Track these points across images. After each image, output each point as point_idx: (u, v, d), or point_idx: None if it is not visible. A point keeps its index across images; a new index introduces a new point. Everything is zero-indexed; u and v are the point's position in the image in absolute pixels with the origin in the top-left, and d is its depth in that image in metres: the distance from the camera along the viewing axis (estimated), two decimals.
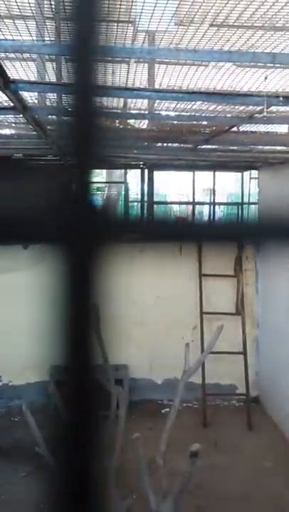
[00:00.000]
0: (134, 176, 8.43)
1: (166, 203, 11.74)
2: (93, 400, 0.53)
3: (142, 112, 4.21)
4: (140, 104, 4.13)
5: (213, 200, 9.63)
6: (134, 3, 2.67)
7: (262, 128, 4.53)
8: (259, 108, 3.26)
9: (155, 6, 2.50)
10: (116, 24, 2.74)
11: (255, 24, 2.83)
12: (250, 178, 9.77)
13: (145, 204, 7.71)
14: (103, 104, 0.52)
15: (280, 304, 6.14)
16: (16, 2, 2.52)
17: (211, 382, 6.52)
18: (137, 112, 4.26)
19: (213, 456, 5.25)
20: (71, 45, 0.51)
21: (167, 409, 5.86)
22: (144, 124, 4.77)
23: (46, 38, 3.00)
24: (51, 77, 3.37)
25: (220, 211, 11.40)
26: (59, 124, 3.84)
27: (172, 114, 4.05)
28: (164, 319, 6.77)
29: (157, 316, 6.77)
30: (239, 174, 9.04)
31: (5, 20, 2.75)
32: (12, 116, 3.94)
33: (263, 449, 5.58)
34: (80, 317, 0.51)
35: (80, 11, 0.51)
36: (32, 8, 2.66)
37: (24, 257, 6.68)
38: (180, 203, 12.24)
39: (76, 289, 0.50)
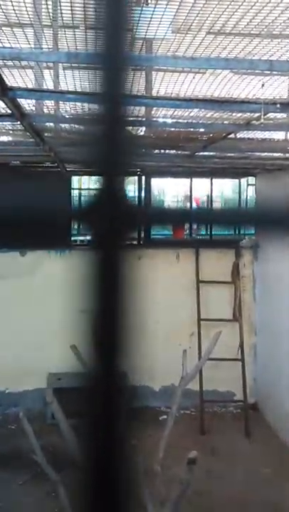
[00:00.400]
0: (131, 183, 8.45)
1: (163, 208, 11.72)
2: (121, 406, 0.53)
3: (140, 118, 4.22)
4: (138, 111, 4.14)
5: (210, 205, 9.64)
6: (131, 11, 2.69)
7: (259, 135, 4.55)
8: (256, 115, 3.27)
9: (153, 14, 2.51)
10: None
11: (252, 32, 2.85)
12: (248, 185, 9.79)
13: None
14: (130, 113, 0.53)
15: (278, 311, 6.14)
16: (14, 10, 2.53)
17: (208, 389, 6.50)
18: (134, 118, 4.27)
19: (211, 463, 5.23)
20: (101, 54, 0.52)
21: (165, 417, 5.84)
22: (141, 131, 4.79)
23: (44, 46, 3.01)
24: (49, 84, 3.39)
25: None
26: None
27: (169, 121, 4.06)
28: (161, 326, 6.76)
29: (155, 323, 6.76)
30: (236, 181, 9.06)
31: (3, 28, 2.76)
32: (10, 123, 3.94)
33: (260, 456, 5.56)
34: (109, 318, 0.51)
35: (109, 20, 0.51)
36: (30, 16, 2.67)
37: (21, 264, 6.68)
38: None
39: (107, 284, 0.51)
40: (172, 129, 4.35)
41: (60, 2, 2.70)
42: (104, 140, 0.51)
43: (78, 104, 3.52)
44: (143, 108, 3.95)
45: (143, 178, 7.68)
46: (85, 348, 0.51)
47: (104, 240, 0.51)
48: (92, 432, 0.52)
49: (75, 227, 8.48)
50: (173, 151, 5.29)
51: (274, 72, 3.15)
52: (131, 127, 4.70)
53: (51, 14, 2.81)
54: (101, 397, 0.52)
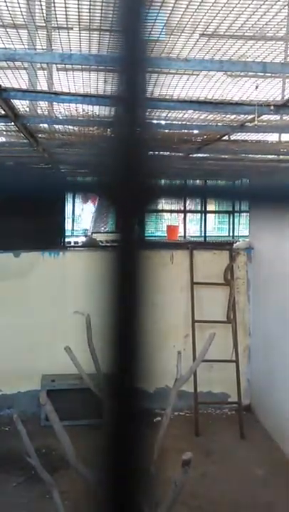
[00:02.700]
0: None
1: (157, 210, 11.76)
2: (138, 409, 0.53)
3: None
4: None
5: (205, 208, 9.68)
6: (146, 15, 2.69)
7: (253, 137, 4.56)
8: (250, 117, 3.28)
9: (146, 16, 2.51)
10: (108, 33, 2.75)
11: (245, 34, 2.86)
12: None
13: None
14: (149, 116, 0.53)
15: (272, 312, 6.15)
16: (8, 11, 2.53)
17: (203, 390, 6.50)
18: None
19: (206, 465, 5.23)
20: (119, 57, 0.52)
21: (159, 418, 5.84)
22: None
23: (38, 47, 3.01)
24: (43, 85, 3.38)
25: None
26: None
27: (163, 122, 4.07)
28: (155, 327, 6.75)
29: (149, 325, 6.75)
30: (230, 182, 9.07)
31: None
32: (3, 124, 3.94)
33: (255, 458, 5.56)
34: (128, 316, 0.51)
35: (127, 24, 0.51)
36: (24, 17, 2.67)
37: (15, 265, 6.66)
38: (171, 211, 12.27)
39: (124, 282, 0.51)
40: (166, 131, 4.36)
41: (54, 3, 2.70)
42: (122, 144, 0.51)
43: (72, 105, 3.51)
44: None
45: None
46: (100, 350, 0.52)
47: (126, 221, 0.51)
48: (112, 432, 0.53)
49: (69, 228, 8.47)
50: (167, 153, 5.30)
51: (267, 74, 3.16)
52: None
53: (45, 15, 2.81)
54: (121, 399, 0.52)
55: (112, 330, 0.51)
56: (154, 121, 4.06)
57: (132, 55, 0.51)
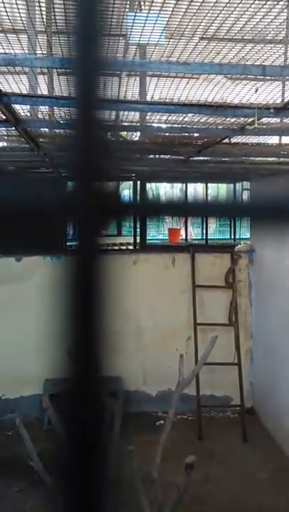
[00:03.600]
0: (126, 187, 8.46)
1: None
2: (98, 411, 0.52)
3: (134, 124, 4.23)
4: (132, 116, 4.15)
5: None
6: (125, 17, 2.70)
7: (253, 139, 4.56)
8: (250, 120, 3.29)
9: (146, 20, 2.53)
10: (107, 37, 2.76)
11: (245, 37, 2.86)
12: (243, 189, 9.83)
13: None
14: (105, 117, 0.53)
15: (274, 315, 6.14)
16: (8, 16, 2.54)
17: (205, 393, 6.49)
18: (128, 124, 4.28)
19: (209, 468, 5.22)
20: (72, 58, 0.52)
21: (162, 422, 5.83)
22: (136, 136, 4.80)
23: (38, 51, 3.02)
24: (43, 89, 3.39)
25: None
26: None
27: (164, 126, 4.08)
28: (157, 331, 6.76)
29: (151, 328, 6.76)
30: (231, 185, 9.09)
31: None
32: (4, 128, 3.95)
33: (258, 461, 5.55)
34: (86, 320, 0.51)
35: (82, 24, 0.52)
36: (24, 22, 2.68)
37: (16, 270, 6.67)
38: (172, 215, 12.25)
39: (80, 286, 0.51)
40: (167, 134, 4.36)
41: (53, 8, 2.71)
42: (79, 144, 0.51)
43: (73, 109, 3.52)
44: (138, 113, 3.97)
45: (138, 183, 7.69)
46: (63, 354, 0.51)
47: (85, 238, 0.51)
48: (74, 437, 0.52)
49: (71, 232, 8.48)
50: (168, 156, 5.31)
51: (267, 77, 3.17)
52: (125, 132, 4.71)
53: (45, 20, 2.82)
54: (81, 403, 0.52)
55: (68, 336, 0.51)
56: (155, 125, 4.07)
57: (87, 56, 0.52)
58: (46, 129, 4.16)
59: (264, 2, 2.47)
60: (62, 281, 0.51)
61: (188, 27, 2.74)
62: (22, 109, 3.54)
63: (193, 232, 12.89)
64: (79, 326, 0.51)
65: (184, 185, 8.60)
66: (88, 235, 0.52)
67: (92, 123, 0.51)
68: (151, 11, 2.54)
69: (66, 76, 3.33)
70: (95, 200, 0.51)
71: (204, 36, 2.90)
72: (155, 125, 4.07)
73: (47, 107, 3.68)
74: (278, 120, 3.66)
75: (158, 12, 2.52)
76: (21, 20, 2.62)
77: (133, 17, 2.58)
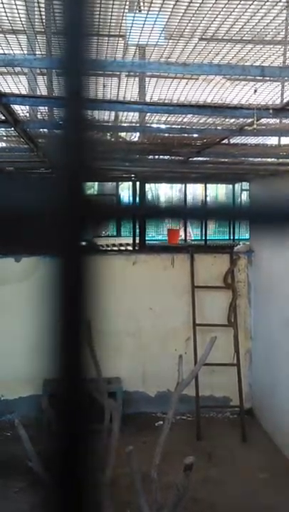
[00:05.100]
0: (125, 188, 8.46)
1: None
2: (85, 413, 0.52)
3: (133, 124, 4.23)
4: (131, 117, 4.15)
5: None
6: (124, 17, 2.70)
7: (252, 140, 4.57)
8: (249, 120, 3.29)
9: (145, 20, 2.53)
10: (107, 38, 2.77)
11: (244, 38, 2.86)
12: (242, 190, 9.83)
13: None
14: (93, 117, 0.53)
15: (273, 315, 6.15)
16: (7, 16, 2.54)
17: (204, 394, 6.49)
18: (128, 124, 4.28)
19: (208, 469, 5.22)
20: (61, 58, 0.52)
21: (161, 422, 5.83)
22: (135, 136, 4.80)
23: (37, 52, 3.02)
24: (42, 90, 3.39)
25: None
26: (50, 136, 3.86)
27: (163, 126, 4.08)
28: (156, 331, 6.76)
29: (150, 329, 6.76)
30: (230, 186, 9.09)
31: None
32: (3, 129, 3.95)
33: (257, 461, 5.55)
34: (72, 324, 0.51)
35: (71, 24, 0.52)
36: (23, 23, 2.68)
37: (16, 270, 6.67)
38: (171, 217, 12.26)
39: (67, 292, 0.51)
40: (166, 135, 4.36)
41: (53, 8, 2.71)
42: (67, 144, 0.51)
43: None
44: (137, 114, 3.96)
45: (137, 183, 7.69)
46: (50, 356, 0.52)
47: (67, 242, 0.51)
48: (60, 437, 0.52)
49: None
50: (167, 157, 5.31)
51: (266, 78, 3.17)
52: (124, 133, 4.71)
53: (44, 20, 2.82)
54: (67, 405, 0.52)
55: (56, 338, 0.51)
56: (154, 126, 4.07)
57: (73, 56, 0.52)
58: (45, 130, 4.16)
59: (263, 3, 2.47)
60: (48, 282, 0.51)
61: (188, 27, 2.74)
62: (21, 110, 3.54)
63: (193, 233, 12.90)
64: (64, 326, 0.51)
65: (184, 185, 8.61)
66: (72, 236, 0.52)
67: (80, 123, 0.51)
68: (150, 12, 2.54)
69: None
70: (80, 201, 0.51)
71: (203, 37, 2.91)
72: (154, 126, 4.07)
73: (46, 108, 3.68)
74: (277, 121, 3.66)
75: (157, 13, 2.52)
76: (20, 20, 2.62)
77: (132, 18, 2.58)
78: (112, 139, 4.65)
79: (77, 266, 0.50)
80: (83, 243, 0.52)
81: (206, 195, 8.59)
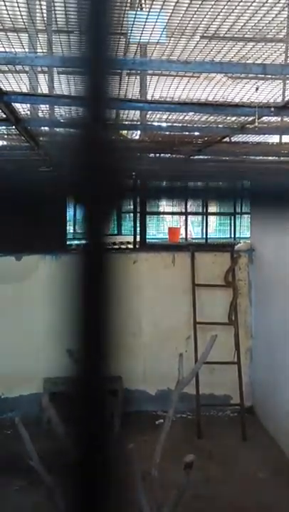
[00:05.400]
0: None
1: (158, 213, 11.77)
2: (100, 411, 0.52)
3: (135, 122, 4.23)
4: (132, 115, 4.15)
5: (206, 209, 9.67)
6: (125, 16, 2.70)
7: (254, 138, 4.56)
8: (251, 119, 3.28)
9: (147, 18, 2.52)
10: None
11: (245, 36, 2.86)
12: (243, 189, 9.79)
13: (138, 215, 7.72)
14: (112, 116, 0.53)
15: (273, 314, 6.15)
16: (9, 15, 2.53)
17: (205, 392, 6.49)
18: (129, 122, 4.28)
19: (208, 467, 5.22)
20: (84, 57, 0.52)
21: (161, 421, 5.83)
22: (136, 135, 4.79)
23: (39, 50, 3.02)
24: (43, 88, 3.39)
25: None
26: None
27: (164, 124, 4.07)
28: (157, 330, 6.76)
29: (150, 327, 6.76)
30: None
31: None
32: (4, 127, 3.95)
33: (257, 460, 5.55)
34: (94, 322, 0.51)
35: (92, 23, 0.51)
36: (24, 21, 2.67)
37: (17, 268, 6.67)
38: (172, 213, 12.27)
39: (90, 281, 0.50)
40: (167, 133, 4.36)
41: (54, 7, 2.71)
42: (86, 143, 0.51)
43: (73, 108, 3.52)
44: (138, 112, 3.96)
45: (138, 181, 7.67)
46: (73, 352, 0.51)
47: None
48: (81, 436, 0.52)
49: (71, 231, 8.48)
50: (168, 155, 5.31)
51: (268, 76, 3.16)
52: (125, 131, 4.71)
53: (45, 19, 2.82)
54: (88, 401, 0.52)
55: (77, 333, 0.51)
56: (156, 124, 4.07)
57: (95, 55, 0.52)
58: (46, 128, 4.16)
59: (265, 1, 2.46)
60: (67, 279, 0.51)
61: (189, 26, 2.74)
62: (22, 108, 3.54)
63: (193, 231, 12.89)
64: (84, 324, 0.51)
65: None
66: (96, 228, 0.52)
67: (100, 122, 0.51)
68: (152, 10, 2.54)
69: (66, 75, 3.32)
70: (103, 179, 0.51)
71: (205, 35, 2.90)
72: (155, 124, 4.07)
73: (47, 106, 3.68)
74: (279, 119, 3.66)
75: (159, 11, 2.51)
76: (22, 19, 2.62)
77: (134, 16, 2.58)
78: (113, 137, 4.65)
79: (101, 261, 0.50)
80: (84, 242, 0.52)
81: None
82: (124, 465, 3.51)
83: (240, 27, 2.77)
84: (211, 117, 3.76)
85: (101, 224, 0.52)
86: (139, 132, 4.63)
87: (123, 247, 8.27)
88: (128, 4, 2.85)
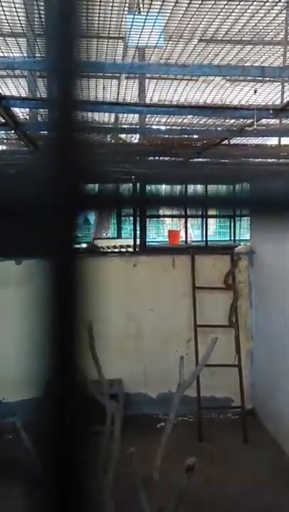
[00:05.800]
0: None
1: (158, 216, 11.77)
2: (78, 414, 0.52)
3: (133, 126, 4.24)
4: (131, 118, 4.16)
5: (205, 212, 9.68)
6: (124, 20, 2.71)
7: (252, 141, 4.57)
8: (249, 121, 3.29)
9: (145, 22, 2.53)
10: (106, 40, 2.77)
11: (243, 39, 2.87)
12: (242, 191, 9.80)
13: (138, 218, 7.72)
14: (85, 119, 0.53)
15: (274, 316, 6.14)
16: (7, 20, 2.54)
17: (206, 395, 6.48)
18: (128, 126, 4.29)
19: (210, 470, 5.21)
20: (52, 60, 0.52)
21: (162, 424, 5.83)
22: (135, 138, 4.80)
23: (37, 55, 3.03)
24: (42, 93, 3.39)
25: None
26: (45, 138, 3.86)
27: (163, 128, 4.08)
28: (157, 333, 6.75)
29: (151, 330, 6.75)
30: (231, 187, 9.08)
31: None
32: (3, 132, 3.95)
33: (259, 462, 5.54)
34: (67, 325, 0.51)
35: (61, 27, 0.52)
36: (23, 26, 2.68)
37: (17, 273, 6.67)
38: (172, 216, 12.28)
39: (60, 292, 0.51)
40: (166, 136, 4.37)
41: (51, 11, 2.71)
42: (59, 145, 0.51)
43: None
44: (137, 115, 3.97)
45: (137, 185, 7.69)
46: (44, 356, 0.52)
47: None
48: (51, 439, 0.53)
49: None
50: (167, 158, 5.31)
51: (266, 79, 3.17)
52: (124, 134, 4.72)
53: (44, 23, 2.82)
54: (58, 405, 0.52)
55: (48, 341, 0.52)
56: (154, 127, 4.07)
57: (64, 58, 0.52)
58: (46, 132, 4.16)
59: (263, 3, 2.47)
60: (43, 284, 0.51)
61: (187, 29, 2.74)
62: (21, 113, 3.54)
63: (193, 234, 12.90)
64: (56, 329, 0.52)
65: (184, 187, 8.61)
66: (65, 234, 0.52)
67: (71, 124, 0.51)
68: (149, 13, 2.54)
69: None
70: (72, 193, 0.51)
71: (203, 38, 2.91)
72: (154, 127, 4.08)
73: (46, 110, 3.68)
74: (277, 121, 3.66)
75: (157, 14, 2.52)
76: (20, 24, 2.63)
77: (132, 19, 2.59)
78: (112, 141, 4.66)
79: (72, 265, 0.50)
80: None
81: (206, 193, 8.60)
82: (122, 468, 3.50)
83: (238, 30, 2.78)
84: (210, 120, 3.76)
85: (67, 232, 0.52)
86: (138, 135, 4.64)
87: (123, 250, 8.28)
88: (126, 8, 2.86)
